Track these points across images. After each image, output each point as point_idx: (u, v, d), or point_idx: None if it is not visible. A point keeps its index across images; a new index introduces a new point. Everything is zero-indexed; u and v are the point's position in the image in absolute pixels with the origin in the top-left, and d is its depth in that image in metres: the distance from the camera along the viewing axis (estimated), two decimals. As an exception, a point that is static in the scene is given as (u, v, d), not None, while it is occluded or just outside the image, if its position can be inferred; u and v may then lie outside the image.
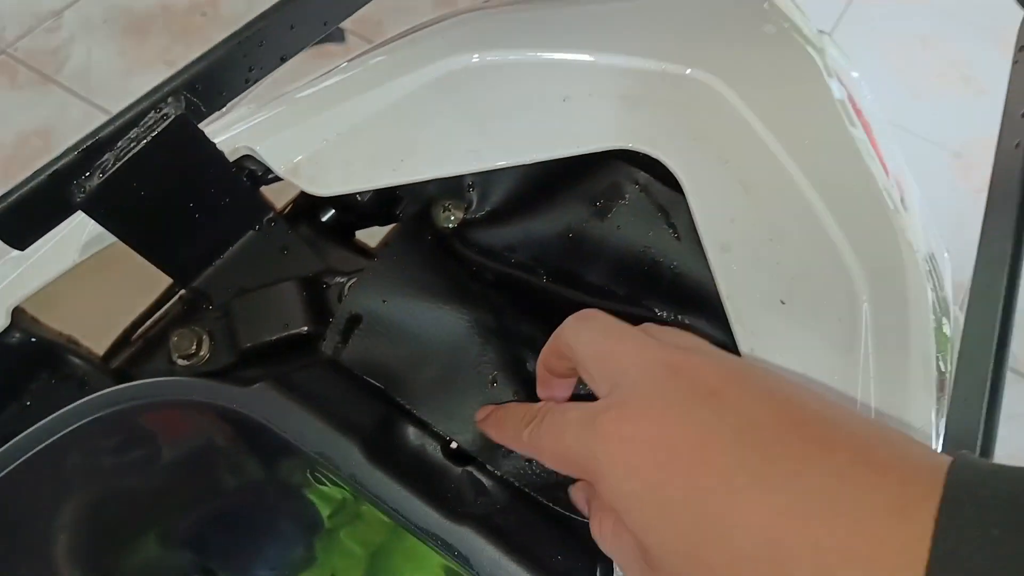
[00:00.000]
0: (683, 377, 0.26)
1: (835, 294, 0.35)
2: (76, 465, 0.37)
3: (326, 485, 0.42)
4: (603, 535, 0.28)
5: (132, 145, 0.33)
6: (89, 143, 0.32)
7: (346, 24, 0.38)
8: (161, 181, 0.35)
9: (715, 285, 0.36)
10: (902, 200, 0.39)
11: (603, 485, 0.26)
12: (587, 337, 0.29)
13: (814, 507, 0.22)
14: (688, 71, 0.38)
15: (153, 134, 0.33)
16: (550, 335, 0.36)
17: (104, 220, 0.34)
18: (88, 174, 0.33)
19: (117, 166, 0.33)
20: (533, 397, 0.35)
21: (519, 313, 0.37)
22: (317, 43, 0.39)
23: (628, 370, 0.27)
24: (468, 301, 0.37)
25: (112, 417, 0.34)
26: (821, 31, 0.42)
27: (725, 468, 0.23)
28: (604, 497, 0.26)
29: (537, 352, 0.34)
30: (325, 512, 0.46)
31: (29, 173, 0.33)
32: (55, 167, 0.32)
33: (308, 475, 0.41)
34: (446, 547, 0.31)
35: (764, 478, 0.23)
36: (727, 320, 0.35)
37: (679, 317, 0.38)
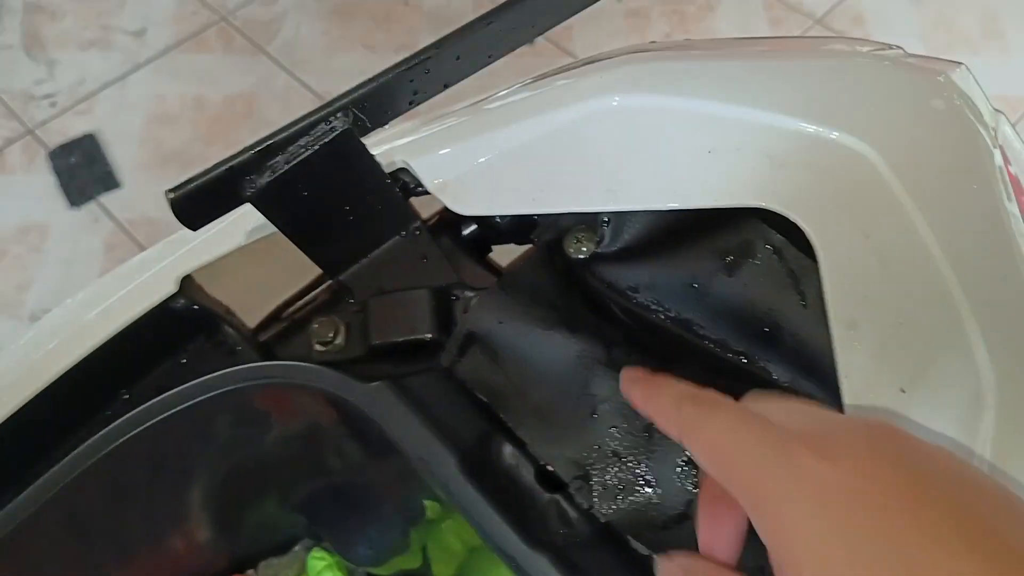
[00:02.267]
0: (892, 443, 0.25)
1: (960, 391, 0.33)
2: (217, 425, 0.41)
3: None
4: None
5: (301, 151, 0.36)
6: (264, 145, 0.36)
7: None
8: (323, 185, 0.38)
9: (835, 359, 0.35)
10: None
11: (773, 516, 0.24)
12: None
13: None
14: (838, 136, 0.38)
15: (321, 143, 0.36)
16: (659, 360, 0.36)
17: (268, 213, 0.38)
18: (260, 172, 0.36)
19: (286, 168, 0.36)
20: (633, 435, 0.36)
21: (631, 349, 0.38)
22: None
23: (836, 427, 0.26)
24: (582, 331, 0.38)
25: (246, 390, 0.38)
26: (997, 111, 0.40)
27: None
28: (765, 527, 0.24)
29: None
30: (429, 504, 0.49)
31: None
32: (232, 163, 0.36)
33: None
34: (519, 571, 0.32)
35: None
36: (838, 392, 0.35)
37: (792, 379, 0.38)
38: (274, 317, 0.46)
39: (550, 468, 0.37)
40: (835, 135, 0.38)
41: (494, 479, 0.35)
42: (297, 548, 0.55)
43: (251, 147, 0.36)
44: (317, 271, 0.46)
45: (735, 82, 0.40)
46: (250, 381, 0.37)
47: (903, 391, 0.34)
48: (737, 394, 0.37)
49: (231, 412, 0.40)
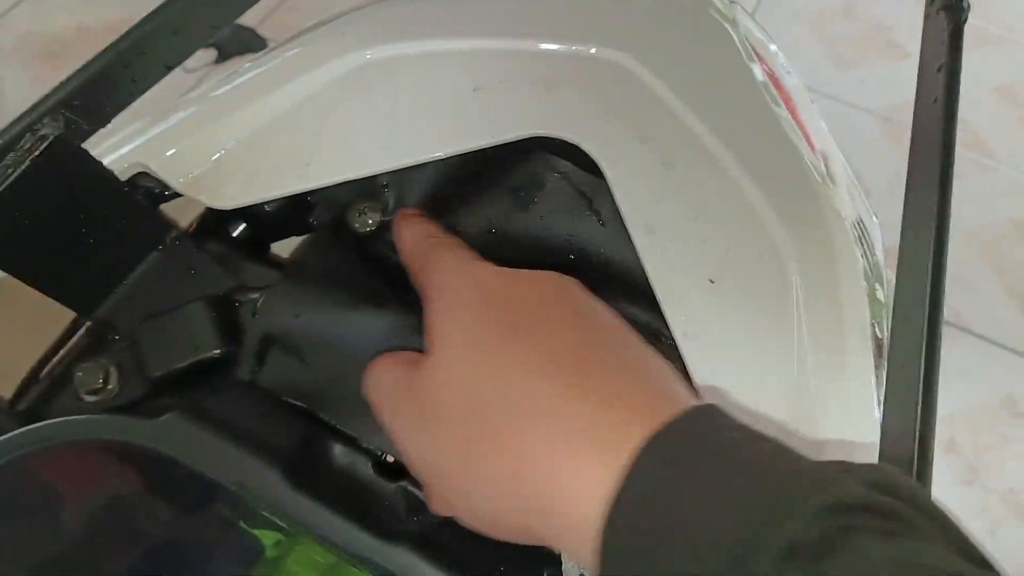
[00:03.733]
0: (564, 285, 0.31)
1: (764, 269, 0.34)
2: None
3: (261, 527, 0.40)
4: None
5: (8, 171, 0.30)
6: None
7: (267, 32, 0.36)
8: (45, 207, 0.32)
9: (644, 269, 0.35)
10: (827, 170, 0.39)
11: (445, 298, 0.30)
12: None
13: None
14: (597, 51, 0.37)
15: (30, 158, 0.31)
16: None
17: (-15, 254, 0.32)
18: None
19: (-7, 195, 0.30)
20: None
21: None
22: (240, 54, 0.37)
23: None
24: (387, 305, 0.36)
25: (8, 467, 0.32)
26: (732, 1, 0.41)
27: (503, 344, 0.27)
28: (435, 307, 0.30)
29: None
30: (270, 541, 0.44)
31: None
32: (-78, 201, 0.29)
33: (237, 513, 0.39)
34: (383, 572, 0.29)
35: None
36: (656, 305, 0.34)
37: (610, 304, 0.37)
38: (33, 378, 0.39)
39: (388, 457, 0.34)
40: (594, 50, 0.37)
41: (329, 484, 0.32)
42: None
43: (-59, 178, 0.30)
44: (72, 314, 0.40)
45: (484, 14, 0.38)
46: (17, 451, 0.31)
47: (712, 281, 0.34)
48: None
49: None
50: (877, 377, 0.33)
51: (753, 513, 0.21)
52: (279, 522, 0.31)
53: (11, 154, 0.31)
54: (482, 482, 0.26)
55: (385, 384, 0.31)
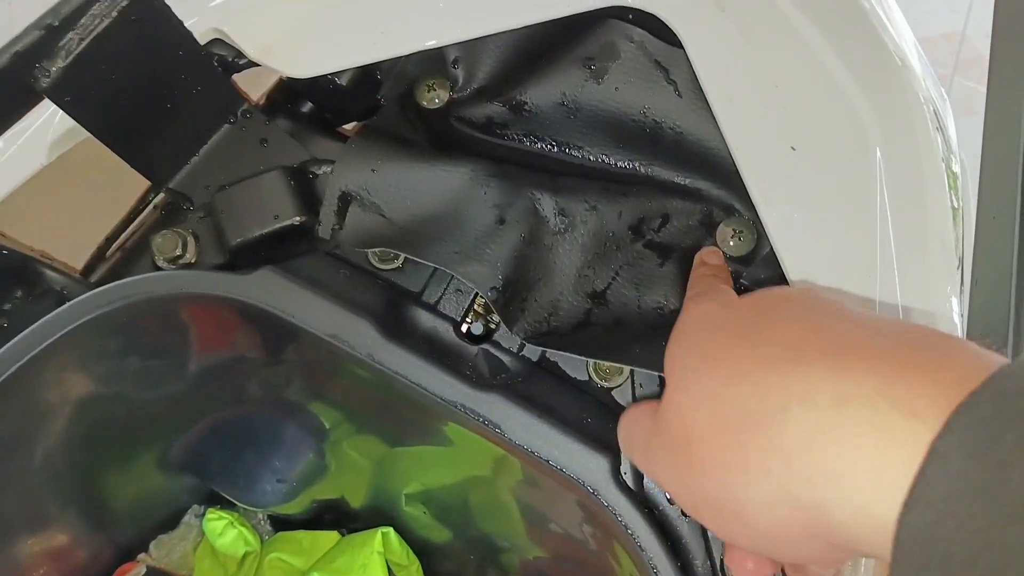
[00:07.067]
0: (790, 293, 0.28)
1: (846, 137, 0.34)
2: (60, 382, 0.35)
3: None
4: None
5: (96, 23, 0.30)
6: (50, 20, 0.30)
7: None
8: (130, 64, 0.32)
9: (720, 143, 0.35)
10: (904, 50, 0.38)
11: (675, 332, 0.28)
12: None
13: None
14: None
15: (117, 8, 0.30)
16: (550, 174, 0.36)
17: (72, 108, 0.31)
18: (52, 57, 0.30)
19: (82, 46, 0.30)
20: (539, 232, 0.35)
21: (520, 168, 0.36)
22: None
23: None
24: (461, 161, 0.36)
25: (100, 321, 0.32)
26: None
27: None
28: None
29: (543, 187, 0.35)
30: (328, 424, 0.45)
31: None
32: (15, 47, 0.29)
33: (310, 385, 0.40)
34: (476, 416, 0.30)
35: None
36: (732, 179, 0.35)
37: (683, 179, 0.37)
38: (101, 256, 0.39)
39: (467, 325, 0.35)
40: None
41: (416, 342, 0.32)
42: (187, 518, 0.49)
43: (34, 25, 0.29)
44: (141, 191, 0.40)
45: None
46: (111, 304, 0.31)
47: (793, 148, 0.34)
48: (635, 200, 0.37)
49: (82, 358, 0.34)
50: (955, 247, 0.33)
51: None
52: (369, 378, 0.32)
53: (98, 4, 0.31)
54: (745, 497, 0.23)
55: (636, 432, 0.29)
